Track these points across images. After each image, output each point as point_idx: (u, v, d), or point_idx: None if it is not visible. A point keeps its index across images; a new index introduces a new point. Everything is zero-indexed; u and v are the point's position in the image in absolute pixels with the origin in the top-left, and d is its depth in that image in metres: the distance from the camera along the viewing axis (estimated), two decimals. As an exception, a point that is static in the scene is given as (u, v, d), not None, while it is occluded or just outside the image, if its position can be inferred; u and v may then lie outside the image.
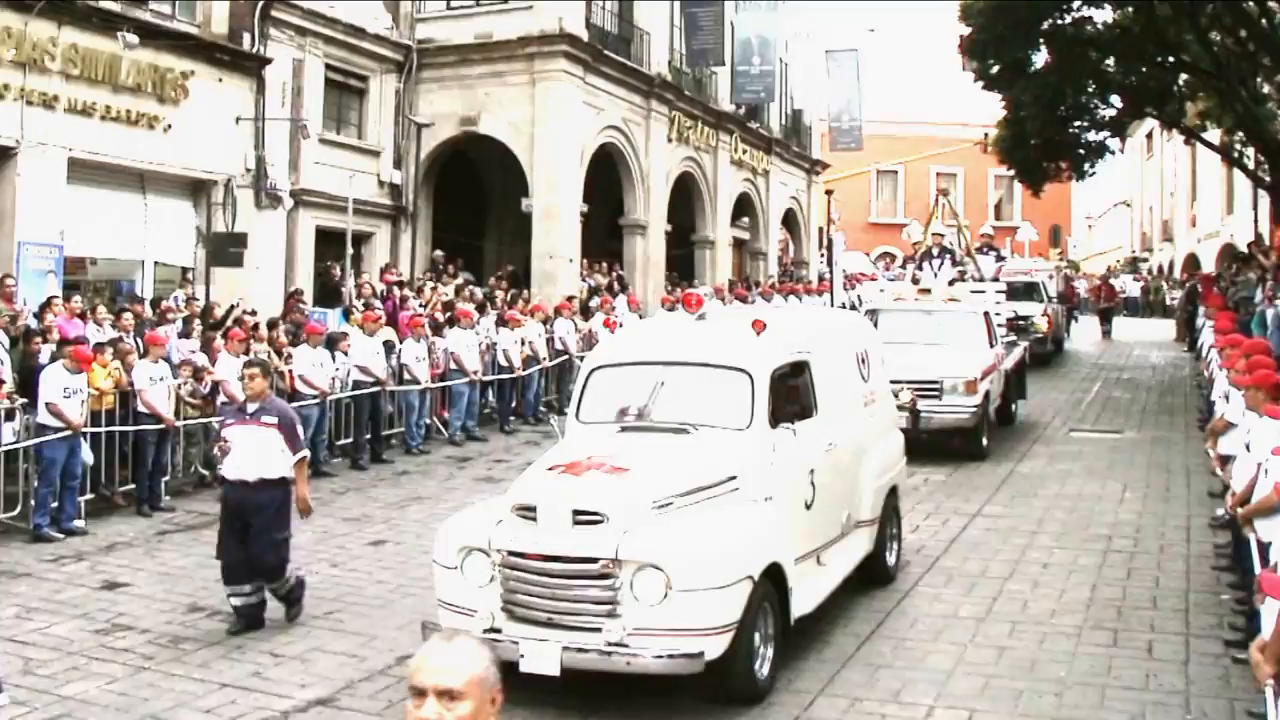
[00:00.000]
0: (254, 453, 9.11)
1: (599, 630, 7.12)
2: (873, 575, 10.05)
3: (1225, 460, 9.89)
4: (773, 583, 7.72)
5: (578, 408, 9.11)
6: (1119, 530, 12.24)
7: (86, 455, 12.69)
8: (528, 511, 7.53)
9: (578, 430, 8.87)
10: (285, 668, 8.34)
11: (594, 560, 7.18)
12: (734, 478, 7.99)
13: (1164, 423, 19.70)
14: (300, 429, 9.63)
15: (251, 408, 9.34)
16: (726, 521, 7.67)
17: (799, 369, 9.09)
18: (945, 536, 12.03)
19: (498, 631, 7.32)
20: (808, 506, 8.71)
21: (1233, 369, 10.51)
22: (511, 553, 7.41)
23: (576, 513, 7.32)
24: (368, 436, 16.70)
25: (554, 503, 7.42)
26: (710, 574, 7.15)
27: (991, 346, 17.38)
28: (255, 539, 9.04)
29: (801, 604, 8.17)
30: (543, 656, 7.11)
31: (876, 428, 10.64)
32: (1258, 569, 6.90)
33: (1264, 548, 7.07)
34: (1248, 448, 8.39)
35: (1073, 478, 15.06)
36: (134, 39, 18.23)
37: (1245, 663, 7.67)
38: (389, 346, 17.46)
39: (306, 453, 9.75)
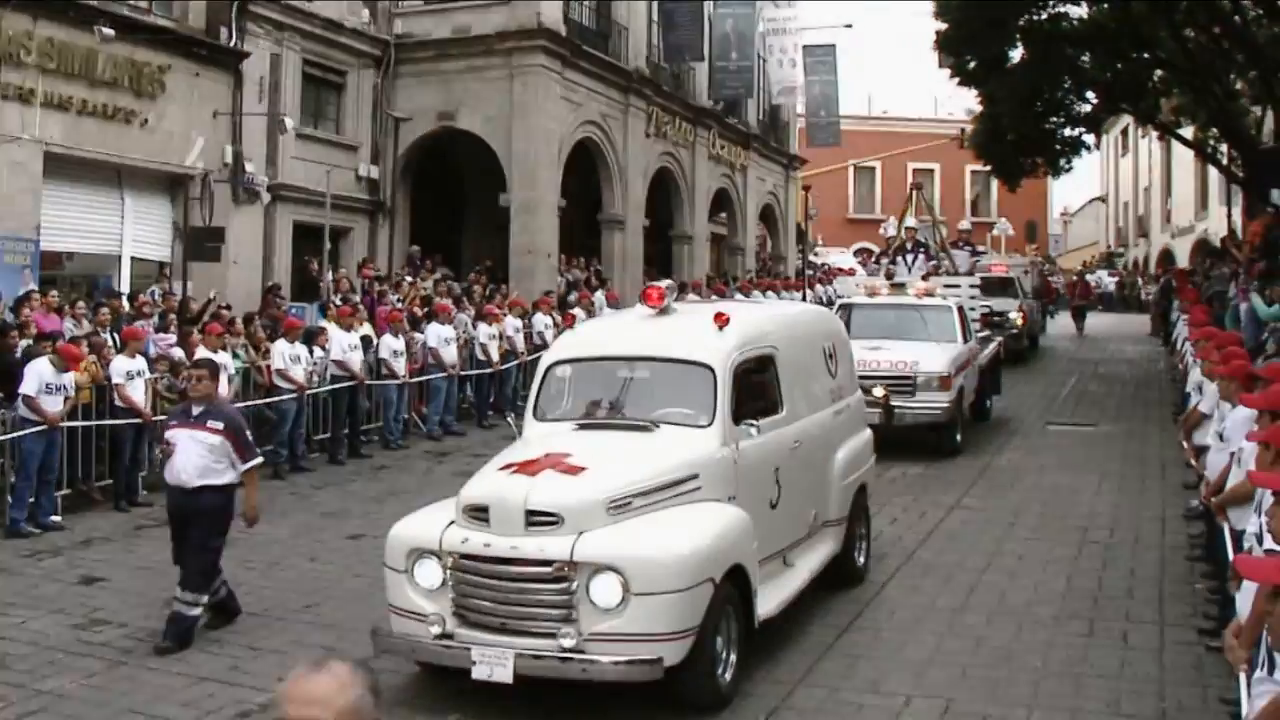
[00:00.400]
0: (196, 458, 8.64)
1: (554, 636, 6.85)
2: (841, 575, 9.79)
3: (1199, 451, 9.97)
4: (735, 585, 7.46)
5: (534, 404, 8.79)
6: (1095, 521, 12.33)
7: None
8: (479, 512, 7.22)
9: (535, 428, 8.54)
10: (263, 661, 8.32)
11: (548, 563, 6.90)
12: (695, 476, 7.70)
13: (1139, 415, 19.85)
14: (249, 435, 9.06)
15: (197, 410, 8.81)
16: (687, 522, 7.35)
17: (763, 364, 8.83)
18: (923, 529, 12.09)
19: (449, 638, 7.11)
20: (773, 506, 8.46)
21: (1207, 360, 10.63)
22: (463, 556, 7.13)
23: (530, 513, 7.02)
24: (345, 431, 16.67)
25: (506, 503, 7.10)
26: (669, 577, 6.87)
27: (965, 341, 17.34)
28: (188, 543, 8.70)
29: (766, 606, 7.92)
30: (496, 664, 6.86)
31: (844, 424, 10.29)
32: (1231, 557, 6.95)
33: (1238, 536, 7.13)
34: (1221, 437, 8.47)
35: (1049, 470, 15.17)
36: (110, 33, 18.19)
37: (1219, 650, 7.75)
38: (366, 341, 17.43)
39: (260, 460, 9.20)
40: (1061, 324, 37.53)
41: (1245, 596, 5.24)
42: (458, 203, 29.50)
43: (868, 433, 11.04)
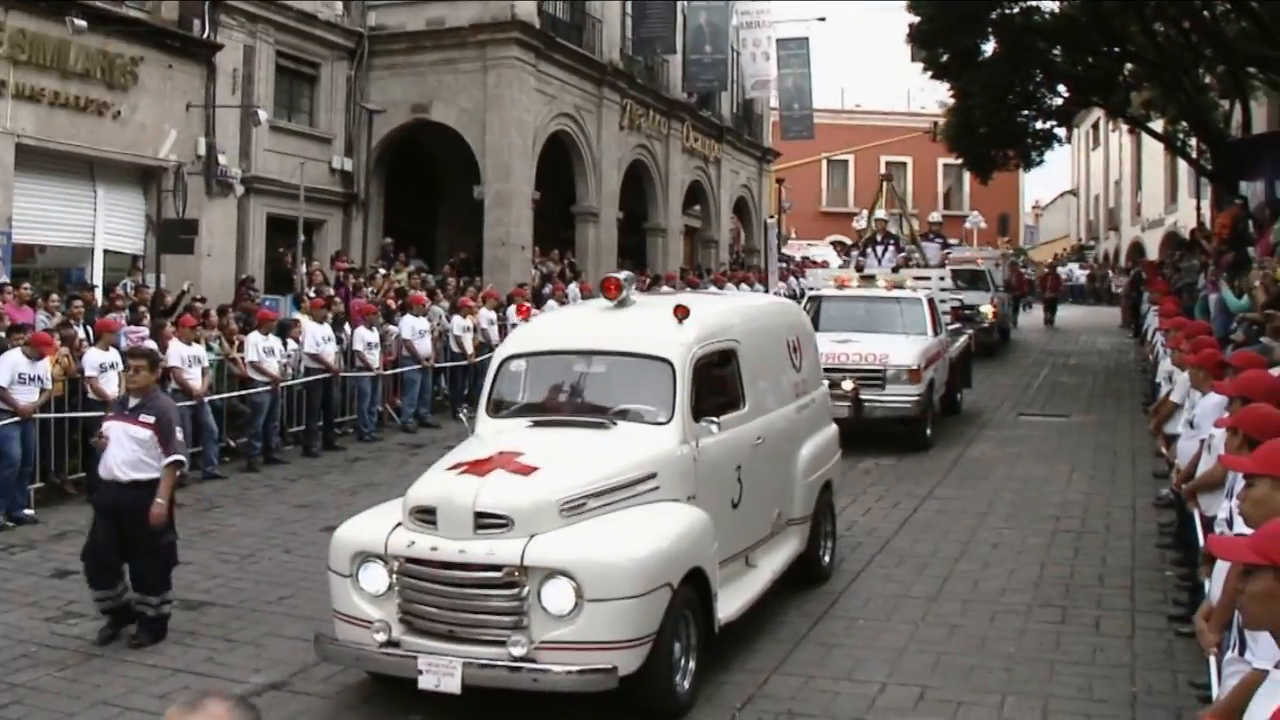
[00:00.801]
0: (127, 451, 8.37)
1: (504, 644, 6.57)
2: (806, 575, 9.55)
3: (1170, 440, 10.06)
4: (695, 588, 7.18)
5: (487, 400, 8.47)
6: (1066, 511, 12.42)
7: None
8: (426, 514, 6.91)
9: (487, 424, 8.24)
10: (238, 653, 8.33)
11: (498, 568, 6.62)
12: (653, 475, 7.41)
13: (1110, 406, 20.00)
14: (179, 432, 8.64)
15: (133, 403, 8.57)
16: (644, 524, 7.06)
17: (725, 358, 8.54)
18: (897, 518, 12.16)
19: (395, 645, 6.84)
20: (734, 505, 8.21)
21: (1177, 349, 10.74)
22: (409, 560, 6.84)
23: (479, 515, 6.72)
24: (320, 424, 16.64)
25: (454, 504, 6.80)
26: (625, 582, 6.59)
27: (936, 334, 17.13)
28: (133, 548, 8.39)
29: (727, 609, 7.68)
30: (443, 673, 6.57)
31: (809, 419, 10.00)
32: (1202, 543, 7.04)
33: (1208, 522, 7.21)
34: (1191, 424, 8.56)
35: (1021, 460, 15.26)
36: (83, 24, 18.09)
37: (1189, 636, 7.85)
38: (337, 320, 17.36)
39: (179, 458, 8.65)
40: (1035, 316, 37.73)
41: (1216, 582, 5.32)
42: (432, 195, 29.48)
43: (833, 428, 10.76)
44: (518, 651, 6.52)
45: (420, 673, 6.64)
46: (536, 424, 8.01)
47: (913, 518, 12.22)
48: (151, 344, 14.54)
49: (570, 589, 6.54)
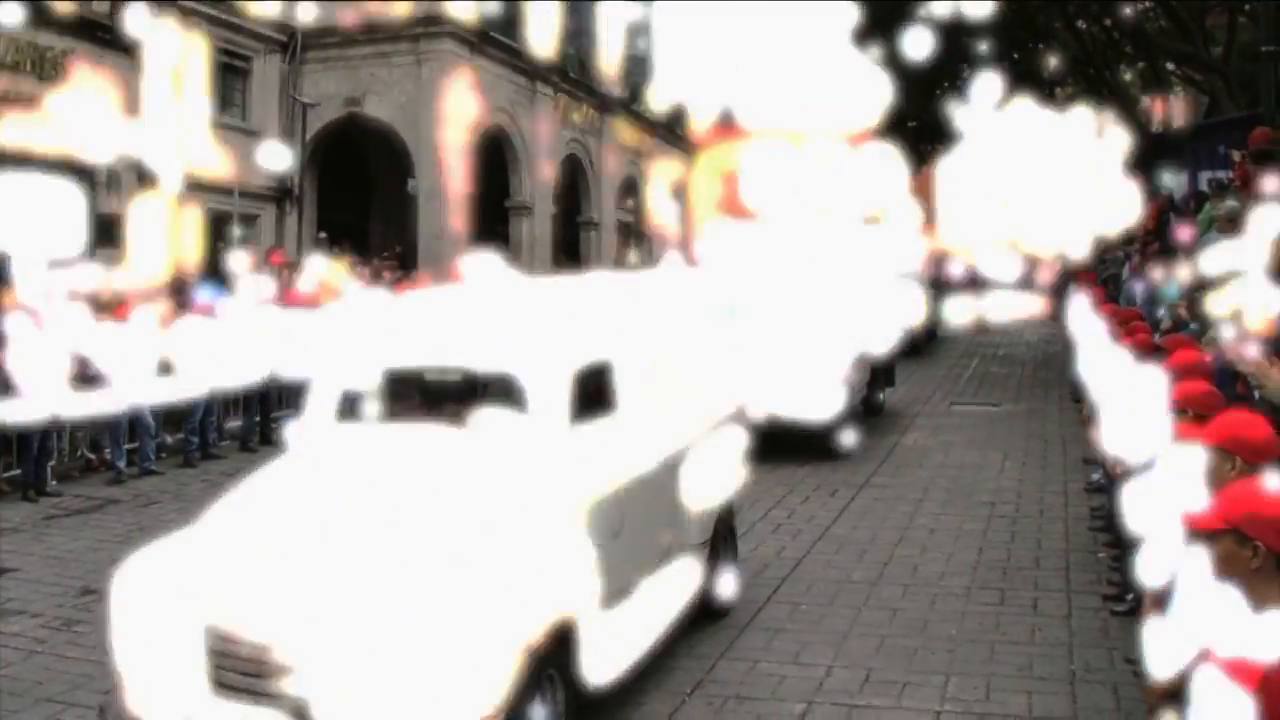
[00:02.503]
0: None
1: None
2: (703, 609, 8.22)
3: (1103, 424, 10.28)
4: (561, 644, 5.68)
5: (305, 422, 7.10)
6: (1001, 496, 12.65)
7: None
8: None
9: (302, 449, 6.86)
10: (186, 646, 8.28)
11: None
12: (504, 504, 5.85)
13: (1039, 395, 20.36)
14: None
15: None
16: (482, 571, 5.33)
17: (604, 363, 7.00)
18: (835, 506, 12.30)
19: None
20: (615, 536, 6.57)
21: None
22: None
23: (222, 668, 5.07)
24: (257, 419, 16.55)
25: (176, 649, 5.16)
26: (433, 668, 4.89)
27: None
28: None
29: (604, 666, 6.17)
30: None
31: (706, 428, 8.38)
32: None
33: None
34: (1125, 408, 8.77)
35: (955, 448, 15.49)
36: (12, 15, 17.77)
37: (1123, 614, 8.10)
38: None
39: None
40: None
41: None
42: (366, 189, 29.34)
43: (738, 434, 9.23)
44: None
45: None
46: (365, 437, 6.79)
47: (850, 505, 12.37)
48: (86, 340, 14.44)
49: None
